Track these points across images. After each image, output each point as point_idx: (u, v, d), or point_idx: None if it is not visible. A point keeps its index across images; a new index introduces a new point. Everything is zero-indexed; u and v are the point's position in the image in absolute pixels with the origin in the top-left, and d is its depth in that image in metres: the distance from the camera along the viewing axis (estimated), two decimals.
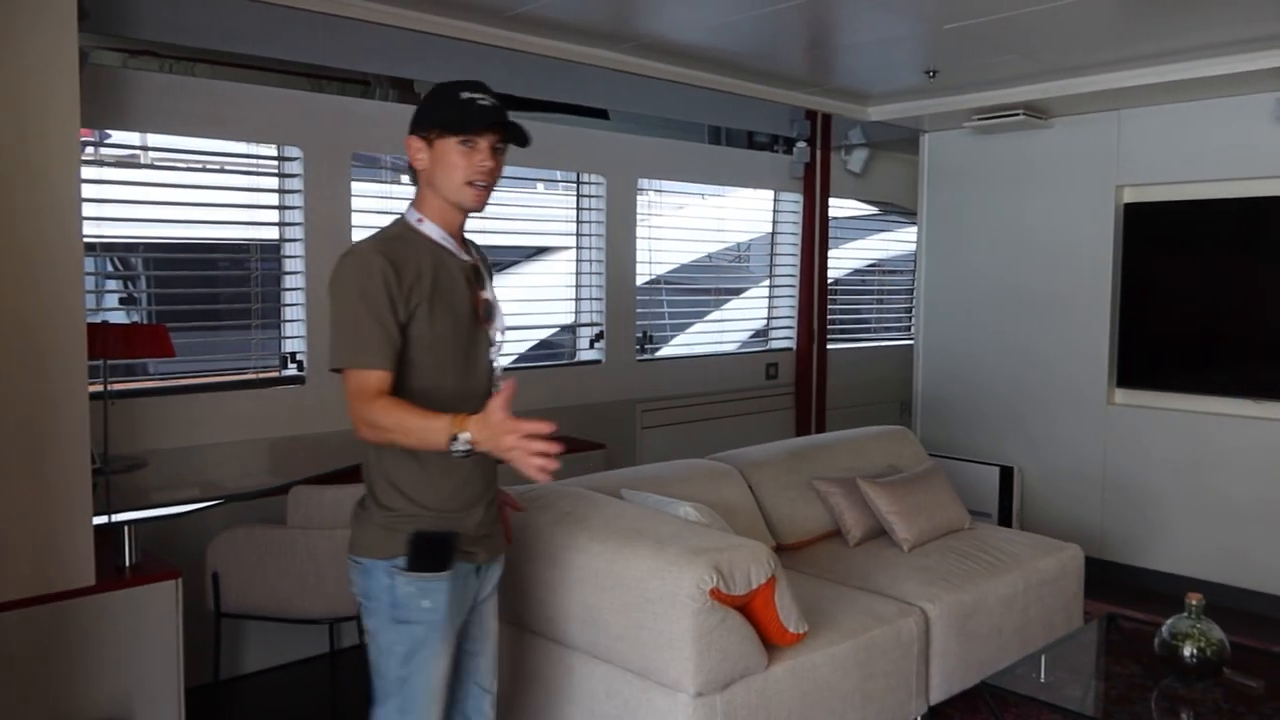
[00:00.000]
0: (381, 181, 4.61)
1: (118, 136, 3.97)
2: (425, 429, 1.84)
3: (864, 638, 2.87)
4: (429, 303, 1.98)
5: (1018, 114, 4.92)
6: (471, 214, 2.10)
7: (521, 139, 2.02)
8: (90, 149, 3.92)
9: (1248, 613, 4.50)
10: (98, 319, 3.91)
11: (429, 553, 1.99)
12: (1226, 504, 4.63)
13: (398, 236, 2.05)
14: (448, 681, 2.09)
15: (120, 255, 4.19)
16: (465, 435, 1.79)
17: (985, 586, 3.34)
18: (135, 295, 4.29)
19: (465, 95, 1.98)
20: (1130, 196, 4.98)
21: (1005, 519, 5.16)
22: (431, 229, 2.07)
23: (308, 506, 3.22)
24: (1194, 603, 2.57)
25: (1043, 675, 2.77)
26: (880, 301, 7.36)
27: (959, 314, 5.63)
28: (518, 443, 1.76)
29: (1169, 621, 2.61)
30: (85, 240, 3.77)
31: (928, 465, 3.99)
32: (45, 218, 2.54)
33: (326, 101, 4.27)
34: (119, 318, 4.31)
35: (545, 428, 1.77)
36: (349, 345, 1.94)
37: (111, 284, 4.31)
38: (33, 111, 2.50)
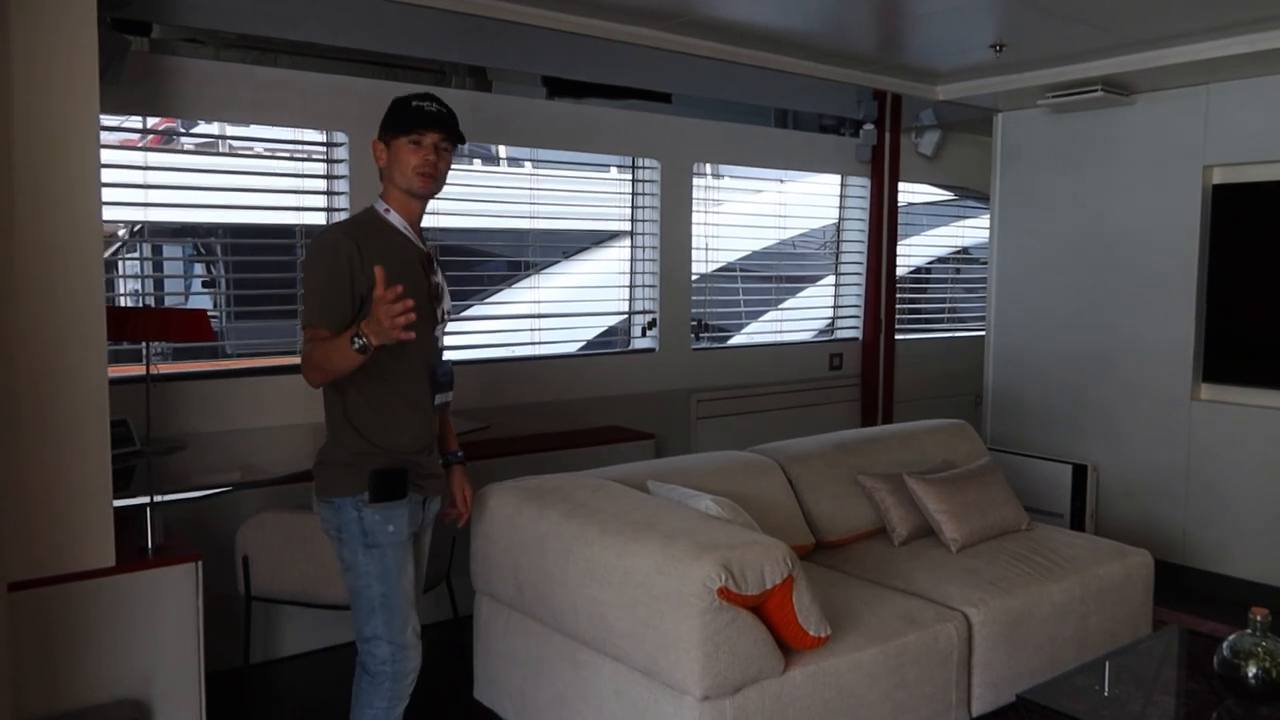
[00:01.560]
0: None
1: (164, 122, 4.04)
2: (336, 344, 2.20)
3: (895, 643, 2.70)
4: (389, 278, 2.26)
5: (1096, 90, 4.61)
6: (424, 198, 2.45)
7: (459, 139, 2.43)
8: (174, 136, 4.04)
9: None
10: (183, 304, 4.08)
11: (387, 485, 2.36)
12: None
13: (367, 223, 2.43)
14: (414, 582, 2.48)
15: (204, 240, 4.33)
16: (358, 335, 2.16)
17: (1038, 592, 3.12)
18: (216, 279, 4.40)
19: (415, 104, 2.38)
20: (1220, 177, 4.62)
21: (1079, 520, 4.87)
22: (395, 219, 2.45)
23: None
24: (1259, 618, 2.33)
25: (1093, 690, 2.56)
26: (965, 290, 7.04)
27: (1033, 303, 5.33)
28: (384, 312, 2.10)
29: (1231, 638, 2.37)
30: (166, 224, 3.96)
31: (983, 461, 3.76)
32: (64, 198, 2.54)
33: (371, 87, 4.24)
34: (204, 301, 4.46)
35: (398, 290, 2.11)
36: (316, 310, 2.32)
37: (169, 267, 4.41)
38: (53, 91, 2.51)
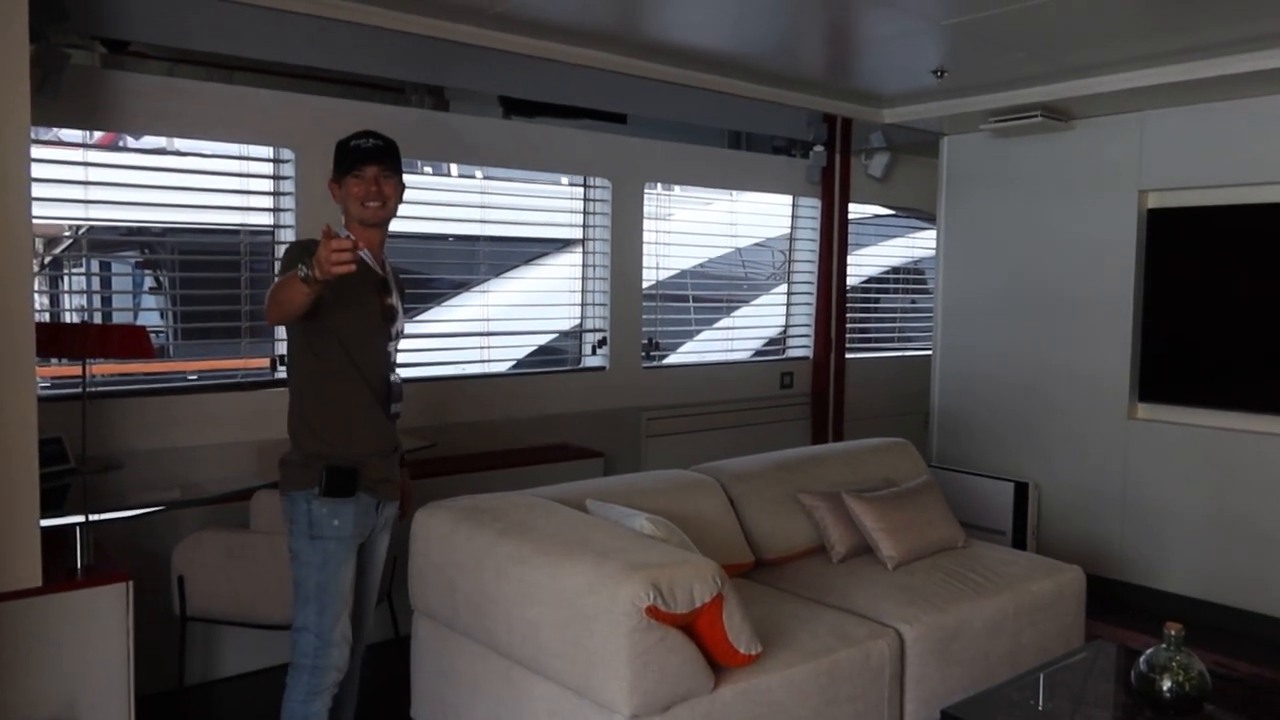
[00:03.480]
0: None
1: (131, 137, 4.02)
2: (288, 278, 2.35)
3: (827, 660, 2.72)
4: (342, 296, 2.51)
5: (1035, 116, 4.72)
6: (377, 225, 2.68)
7: (397, 168, 2.67)
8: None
9: (1273, 642, 4.24)
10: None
11: (338, 481, 2.54)
12: (1253, 527, 4.37)
13: None
14: (353, 588, 2.64)
15: (150, 253, 4.32)
16: (304, 267, 2.28)
17: (970, 608, 3.17)
18: (162, 286, 4.38)
19: (353, 143, 2.64)
20: (1154, 202, 4.74)
21: (1021, 537, 4.95)
22: None
23: (270, 511, 3.18)
24: (1173, 633, 2.39)
25: (1018, 704, 2.61)
26: (916, 310, 7.14)
27: (978, 324, 5.43)
28: (323, 247, 2.21)
29: (1148, 652, 2.44)
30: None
31: (922, 480, 3.82)
32: None
33: (318, 104, 4.24)
34: (153, 319, 4.43)
35: (346, 243, 2.24)
36: (281, 272, 2.51)
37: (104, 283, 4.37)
38: None
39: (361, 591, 2.73)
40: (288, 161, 4.18)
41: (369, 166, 2.62)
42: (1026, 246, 5.19)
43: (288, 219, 4.20)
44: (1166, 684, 2.36)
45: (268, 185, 4.22)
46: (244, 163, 4.17)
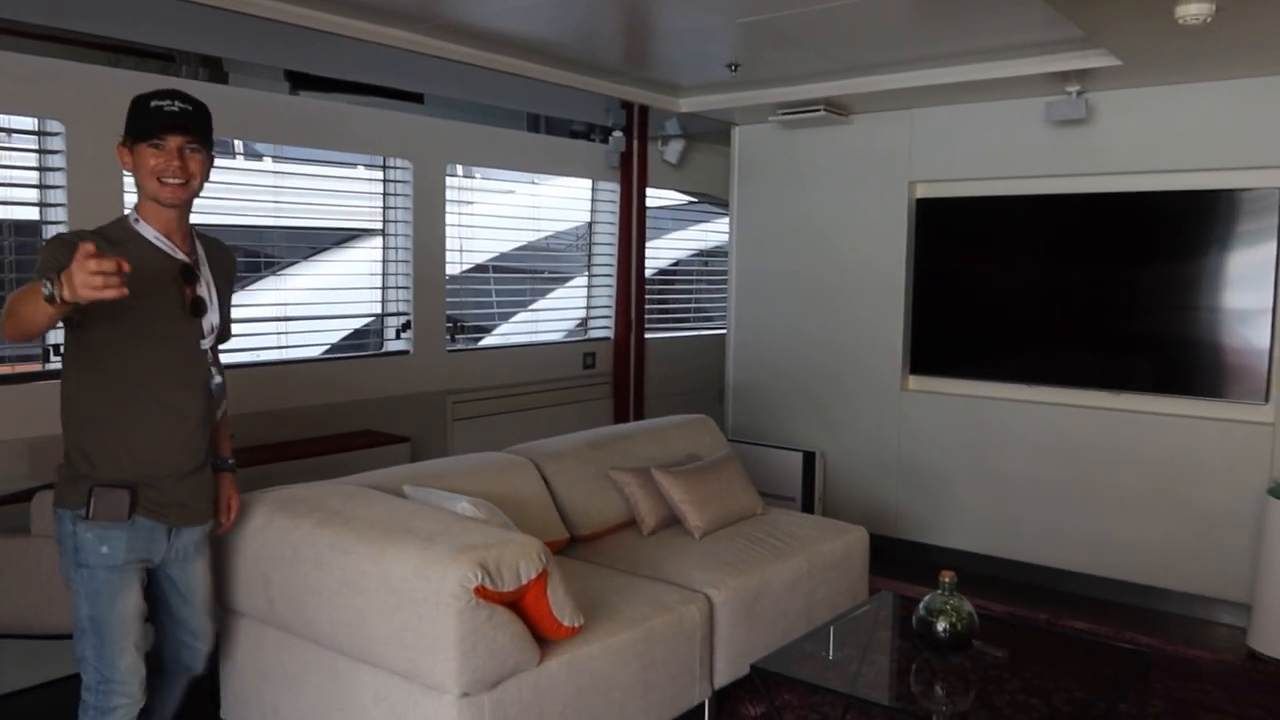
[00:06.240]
0: None
1: None
2: (30, 290, 1.97)
3: (644, 627, 2.87)
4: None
5: (819, 110, 5.05)
6: (171, 205, 2.34)
7: (208, 140, 2.34)
8: None
9: (1020, 583, 4.81)
10: None
11: (107, 504, 2.27)
12: (1004, 483, 4.92)
13: (114, 233, 2.31)
14: (139, 617, 2.37)
15: None
16: (49, 284, 1.88)
17: (771, 570, 3.41)
18: None
19: (154, 104, 2.26)
20: (922, 192, 5.21)
21: (809, 502, 5.33)
22: (146, 229, 2.35)
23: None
24: (946, 580, 2.69)
25: (818, 655, 2.86)
26: (712, 290, 7.45)
27: (767, 304, 5.77)
28: (78, 267, 1.83)
29: (925, 599, 2.73)
30: None
31: (723, 453, 4.05)
32: None
33: (93, 73, 3.94)
34: None
35: (109, 264, 1.85)
36: (35, 273, 2.11)
37: None
38: None
39: (187, 619, 2.55)
40: (56, 135, 3.86)
41: (172, 136, 2.24)
42: (811, 231, 5.56)
43: (57, 197, 3.89)
44: (941, 625, 2.66)
45: (32, 160, 3.88)
46: (4, 135, 3.82)
